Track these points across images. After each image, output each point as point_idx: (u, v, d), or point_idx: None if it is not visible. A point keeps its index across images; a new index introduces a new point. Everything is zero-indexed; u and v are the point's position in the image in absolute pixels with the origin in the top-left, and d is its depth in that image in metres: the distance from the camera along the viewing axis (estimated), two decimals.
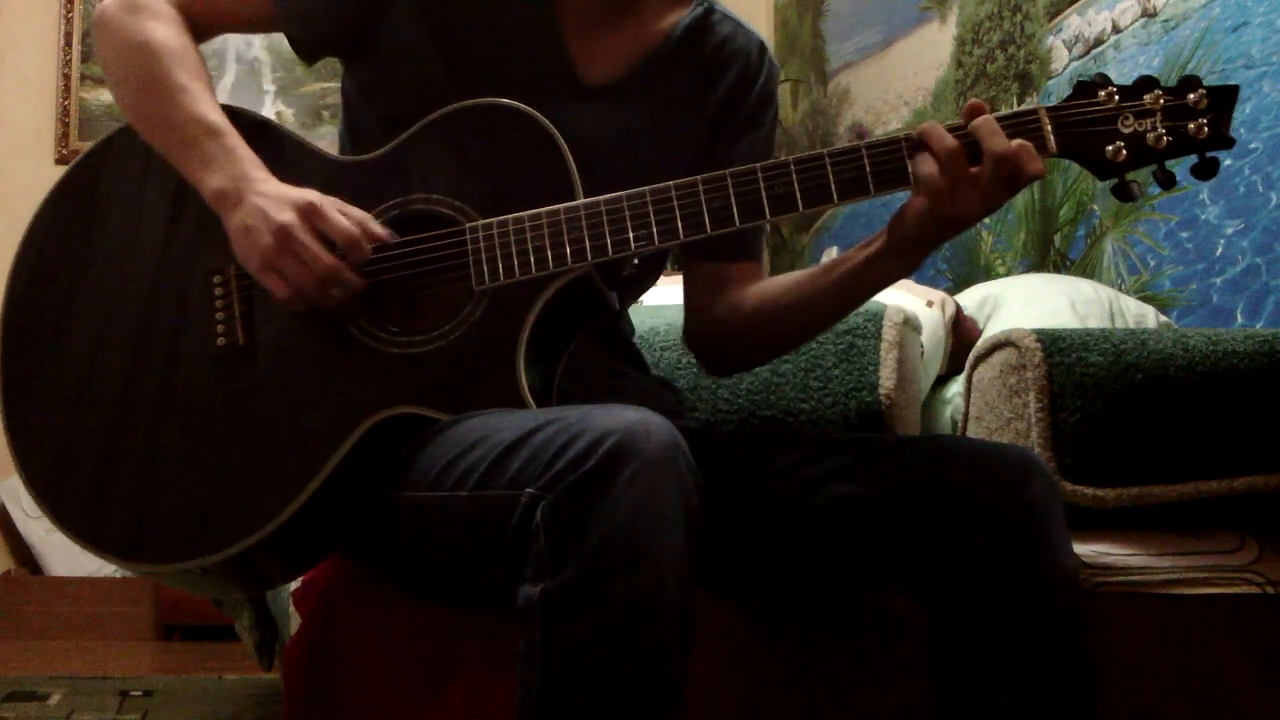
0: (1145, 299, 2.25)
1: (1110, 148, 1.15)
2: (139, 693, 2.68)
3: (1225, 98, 1.14)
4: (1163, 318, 2.11)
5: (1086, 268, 2.54)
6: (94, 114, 4.06)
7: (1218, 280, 2.20)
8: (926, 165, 1.15)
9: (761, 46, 1.45)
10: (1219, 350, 1.42)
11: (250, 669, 2.75)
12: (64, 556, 3.69)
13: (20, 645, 3.42)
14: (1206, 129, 1.13)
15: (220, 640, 3.21)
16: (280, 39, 1.40)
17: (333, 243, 1.22)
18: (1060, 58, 2.71)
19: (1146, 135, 1.14)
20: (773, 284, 1.40)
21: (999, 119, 1.15)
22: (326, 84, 4.15)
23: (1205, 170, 1.15)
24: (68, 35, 4.09)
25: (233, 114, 1.31)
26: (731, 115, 1.42)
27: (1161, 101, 1.14)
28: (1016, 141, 1.14)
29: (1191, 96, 1.14)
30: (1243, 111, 2.13)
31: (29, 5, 4.09)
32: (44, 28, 4.09)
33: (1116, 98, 1.15)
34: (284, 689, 1.35)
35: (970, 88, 3.08)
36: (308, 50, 1.40)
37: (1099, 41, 2.57)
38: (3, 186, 3.86)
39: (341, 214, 1.22)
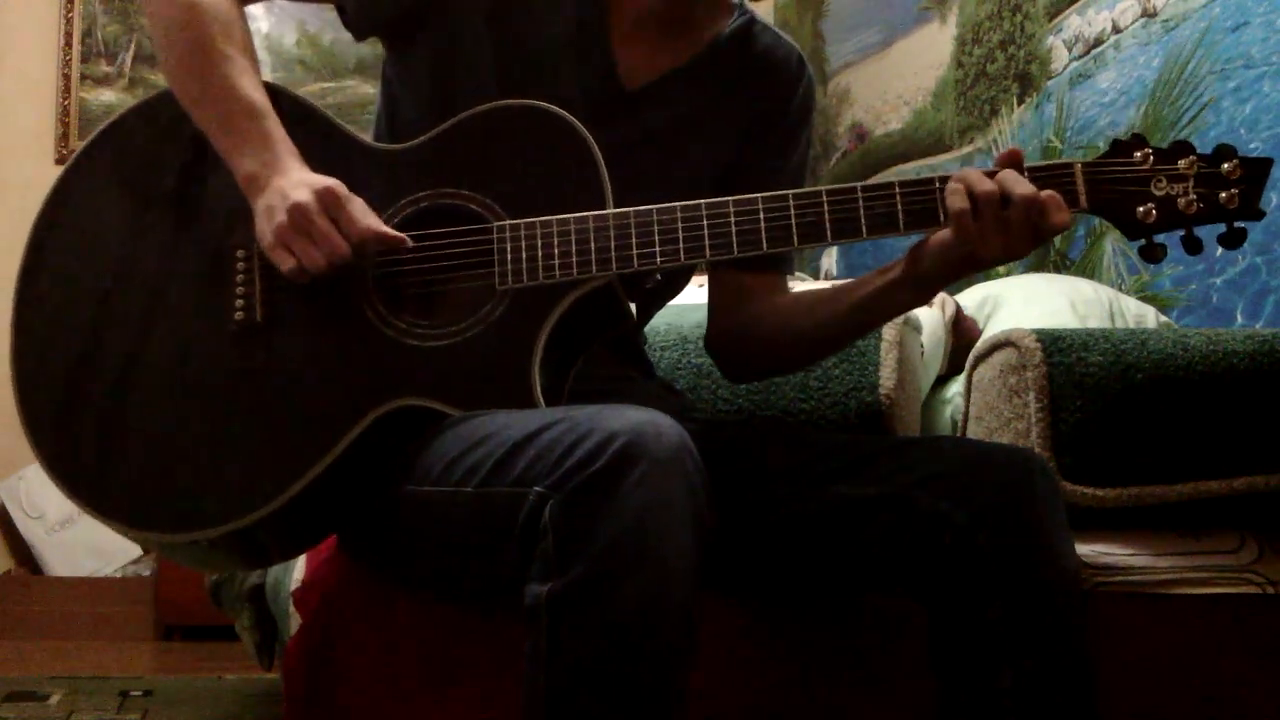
0: (1145, 299, 2.25)
1: (1141, 209, 1.16)
2: (139, 693, 2.68)
3: (1259, 170, 1.15)
4: (1163, 318, 2.11)
5: (1086, 268, 2.54)
6: (94, 114, 4.06)
7: (1218, 280, 2.20)
8: (960, 201, 1.16)
9: (801, 59, 1.46)
10: (1219, 350, 1.42)
11: (250, 669, 2.75)
12: (64, 556, 3.70)
13: (20, 645, 3.42)
14: (1237, 200, 1.14)
15: (220, 640, 3.21)
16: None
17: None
18: (1060, 58, 2.71)
19: (1178, 199, 1.15)
20: (793, 304, 1.41)
21: (1032, 168, 1.17)
22: (326, 84, 4.14)
23: (1232, 240, 1.16)
24: (68, 35, 4.09)
25: (274, 93, 1.31)
26: (769, 126, 1.43)
27: (1195, 168, 1.15)
28: (1046, 193, 1.14)
29: (1226, 166, 1.15)
30: (1242, 112, 2.13)
31: (29, 5, 4.09)
32: (44, 28, 4.10)
33: (1151, 159, 1.16)
34: (284, 689, 1.35)
35: (970, 88, 3.08)
36: (359, 28, 1.40)
37: (1099, 41, 2.57)
38: (3, 186, 3.86)
39: (359, 210, 1.23)
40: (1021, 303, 2.04)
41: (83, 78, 4.08)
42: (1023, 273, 2.69)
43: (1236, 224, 1.15)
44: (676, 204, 1.21)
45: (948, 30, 3.19)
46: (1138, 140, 1.17)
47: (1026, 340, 1.44)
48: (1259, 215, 1.15)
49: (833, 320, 1.34)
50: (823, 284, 1.39)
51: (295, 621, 1.35)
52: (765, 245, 1.20)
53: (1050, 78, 2.74)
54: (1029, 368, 1.42)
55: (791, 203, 1.20)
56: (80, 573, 3.65)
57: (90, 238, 1.33)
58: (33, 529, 3.68)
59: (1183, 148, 1.16)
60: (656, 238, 1.21)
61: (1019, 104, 2.85)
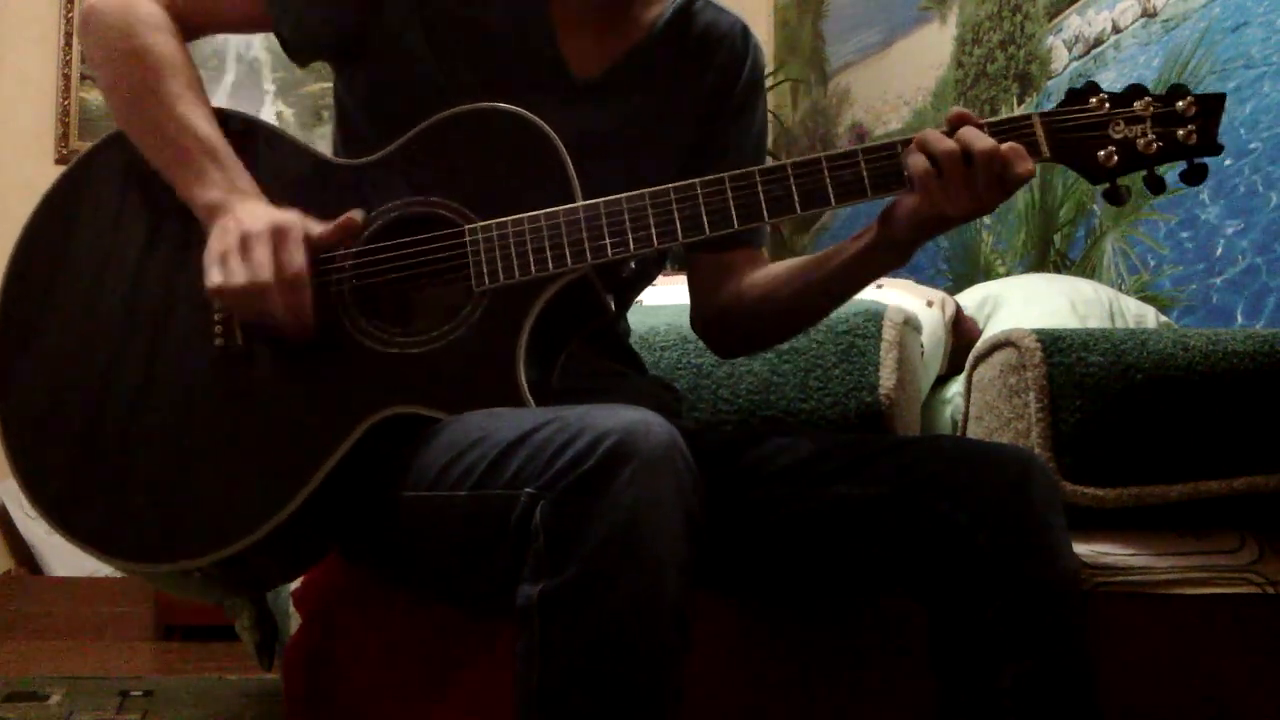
0: (1145, 299, 2.25)
1: (1102, 153, 1.17)
2: (139, 693, 2.68)
3: (1213, 105, 1.17)
4: (1163, 318, 2.10)
5: (1086, 268, 2.54)
6: (94, 114, 4.05)
7: (1218, 280, 2.20)
8: (920, 161, 1.16)
9: (745, 29, 1.46)
10: (1219, 350, 1.42)
11: (250, 669, 2.75)
12: (64, 556, 3.69)
13: (20, 645, 3.42)
14: (1195, 135, 1.16)
15: (220, 640, 3.21)
16: (279, 41, 1.39)
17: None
18: (1060, 58, 2.71)
19: (1137, 141, 1.17)
20: (773, 273, 1.41)
21: (994, 123, 1.18)
22: (326, 84, 4.14)
23: (1194, 175, 1.18)
24: (68, 35, 4.09)
25: (223, 119, 1.31)
26: (723, 103, 1.43)
27: (1151, 109, 1.17)
28: (1008, 144, 1.15)
29: (1180, 104, 1.17)
30: (1243, 111, 2.13)
31: (29, 5, 4.09)
32: (44, 28, 4.09)
33: (1107, 105, 1.18)
34: (284, 689, 1.35)
35: (970, 88, 3.08)
36: (300, 53, 1.39)
37: (1099, 41, 2.57)
38: (3, 186, 3.86)
39: (300, 253, 1.21)
40: (1021, 303, 2.04)
41: (83, 78, 4.08)
42: (1023, 273, 2.69)
43: (1197, 160, 1.17)
44: (645, 190, 1.21)
45: (948, 30, 3.19)
46: (1092, 87, 1.19)
47: (1026, 340, 1.44)
48: (1217, 149, 1.17)
49: (813, 289, 1.34)
50: (801, 258, 1.39)
51: (295, 621, 1.35)
52: (736, 222, 1.20)
53: (1050, 78, 2.74)
54: (1029, 368, 1.42)
55: (759, 179, 1.20)
56: (80, 573, 3.64)
57: (67, 266, 1.33)
58: (33, 529, 3.68)
59: (1137, 90, 1.18)
60: (628, 226, 1.21)
61: (1019, 104, 2.85)
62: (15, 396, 1.30)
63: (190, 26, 1.36)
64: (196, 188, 1.26)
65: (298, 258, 1.21)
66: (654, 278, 1.49)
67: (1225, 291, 2.18)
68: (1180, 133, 1.16)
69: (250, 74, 4.14)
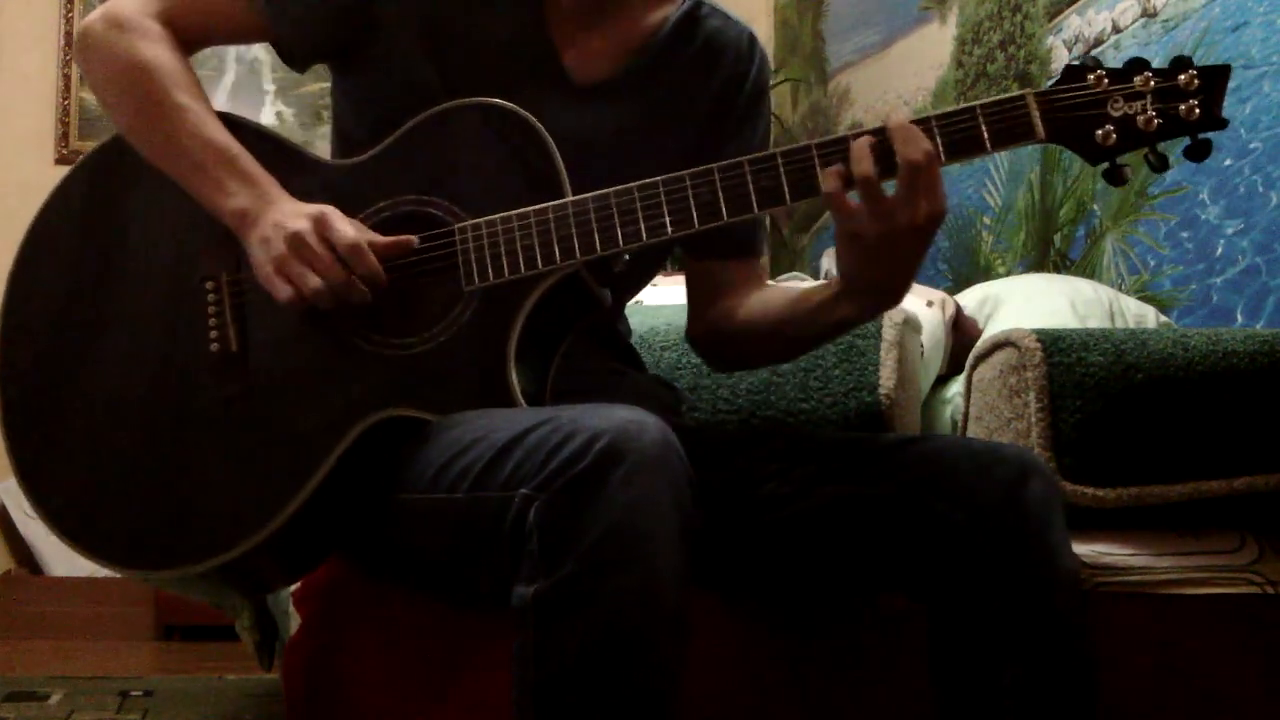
0: (1145, 299, 2.25)
1: (1100, 132, 1.12)
2: (139, 693, 2.68)
3: (1216, 78, 1.11)
4: (1163, 318, 2.10)
5: (1086, 268, 2.54)
6: (94, 114, 4.05)
7: (1218, 280, 2.20)
8: (830, 180, 1.13)
9: (751, 38, 1.45)
10: (1219, 350, 1.42)
11: (250, 669, 2.75)
12: (64, 556, 3.69)
13: (20, 645, 3.42)
14: (1198, 110, 1.11)
15: (220, 640, 3.21)
16: None
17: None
18: (1060, 58, 2.71)
19: (1136, 118, 1.12)
20: (759, 303, 1.39)
21: (985, 105, 1.13)
22: (325, 84, 4.10)
23: (1198, 152, 1.13)
24: (68, 35, 4.08)
25: (232, 124, 1.31)
26: (727, 110, 1.42)
27: (1151, 83, 1.12)
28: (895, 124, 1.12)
29: (1182, 78, 1.12)
30: (1243, 111, 2.13)
31: (29, 5, 4.09)
32: (44, 28, 4.09)
33: (1105, 81, 1.13)
34: (284, 689, 1.35)
35: (970, 88, 3.08)
36: (298, 59, 1.39)
37: (1099, 41, 2.57)
38: (3, 186, 3.86)
39: (348, 225, 1.22)
40: (1021, 303, 2.04)
41: (82, 78, 4.08)
42: (1023, 273, 2.69)
43: (1200, 136, 1.12)
44: (633, 184, 1.20)
45: (948, 30, 3.19)
46: (1091, 62, 1.14)
47: (1026, 340, 1.44)
48: (1222, 123, 1.12)
49: (787, 329, 1.32)
50: (806, 283, 1.37)
51: (295, 621, 1.35)
52: (725, 214, 1.18)
53: (1050, 78, 2.73)
54: (1029, 368, 1.42)
55: (747, 168, 1.18)
56: (80, 573, 3.64)
57: (69, 269, 1.34)
58: (33, 529, 3.68)
59: (1138, 64, 1.13)
60: (618, 221, 1.20)
61: None
62: (18, 400, 1.31)
63: (188, 40, 1.36)
64: (219, 197, 1.27)
65: (346, 230, 1.21)
66: (652, 276, 1.49)
67: (1225, 291, 2.18)
68: (1182, 108, 1.11)
69: (250, 75, 4.13)
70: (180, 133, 1.29)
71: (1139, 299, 2.20)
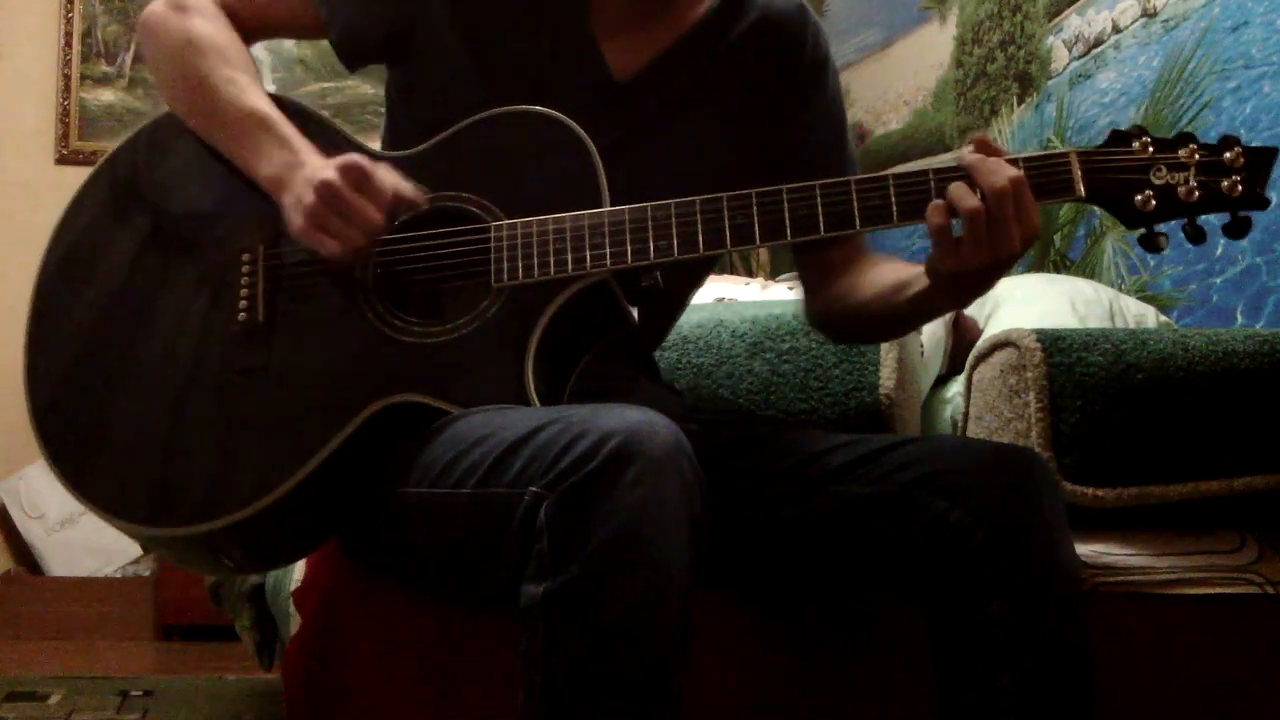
0: (1145, 299, 2.25)
1: (1139, 197, 1.14)
2: (139, 693, 2.68)
3: (1263, 159, 1.14)
4: (1163, 318, 2.11)
5: (1086, 268, 2.54)
6: (94, 114, 4.05)
7: (1218, 280, 2.20)
8: (937, 216, 1.14)
9: (801, 9, 1.43)
10: (1219, 350, 1.42)
11: (250, 669, 2.75)
12: (64, 556, 3.69)
13: (20, 645, 3.42)
14: (1240, 187, 1.13)
15: (220, 640, 3.21)
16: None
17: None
18: (1060, 58, 2.71)
19: (1178, 188, 1.13)
20: (868, 285, 1.38)
21: (1027, 159, 1.15)
22: (326, 84, 4.15)
23: (1237, 229, 1.14)
24: (68, 35, 4.09)
25: (279, 103, 1.34)
26: (785, 89, 1.41)
27: (1196, 156, 1.14)
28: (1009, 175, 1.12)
29: (1228, 154, 1.13)
30: (1243, 111, 2.13)
31: (29, 5, 4.09)
32: (44, 28, 4.09)
33: (1151, 149, 1.15)
34: (284, 689, 1.35)
35: (970, 88, 3.08)
36: (349, 57, 1.41)
37: (1099, 41, 2.57)
38: (3, 186, 3.86)
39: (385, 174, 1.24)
40: (1021, 303, 2.04)
41: (83, 78, 4.08)
42: (1023, 273, 2.69)
43: (1240, 213, 1.14)
44: (671, 201, 1.21)
45: (948, 30, 3.19)
46: (1138, 130, 1.16)
47: (1026, 340, 1.44)
48: (1264, 203, 1.13)
49: (890, 314, 1.33)
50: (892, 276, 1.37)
51: (295, 621, 1.35)
52: (759, 239, 1.20)
53: (1050, 78, 2.74)
54: (1029, 368, 1.42)
55: (785, 196, 1.19)
56: (80, 573, 3.65)
57: (105, 248, 1.36)
58: (33, 529, 3.68)
59: (1184, 138, 1.15)
60: (650, 234, 1.21)
61: (1019, 104, 2.85)
62: (43, 364, 1.33)
63: (246, 29, 1.40)
64: (256, 162, 1.29)
65: (385, 180, 1.23)
66: (686, 298, 1.49)
67: (1225, 291, 2.18)
68: (1225, 183, 1.13)
69: None
70: (224, 103, 1.32)
71: (1139, 299, 2.20)
